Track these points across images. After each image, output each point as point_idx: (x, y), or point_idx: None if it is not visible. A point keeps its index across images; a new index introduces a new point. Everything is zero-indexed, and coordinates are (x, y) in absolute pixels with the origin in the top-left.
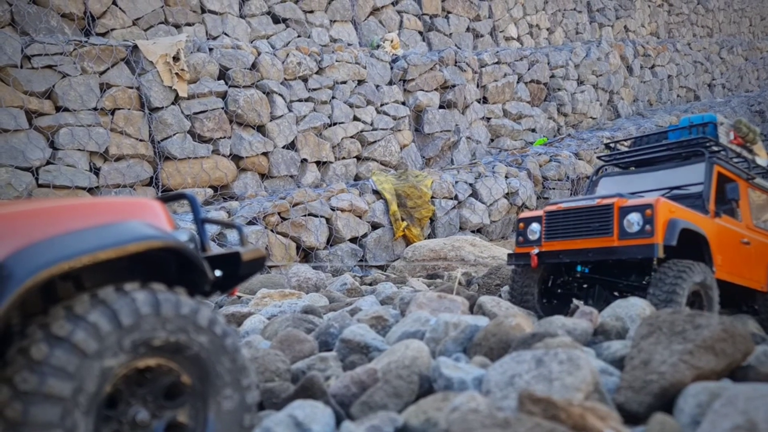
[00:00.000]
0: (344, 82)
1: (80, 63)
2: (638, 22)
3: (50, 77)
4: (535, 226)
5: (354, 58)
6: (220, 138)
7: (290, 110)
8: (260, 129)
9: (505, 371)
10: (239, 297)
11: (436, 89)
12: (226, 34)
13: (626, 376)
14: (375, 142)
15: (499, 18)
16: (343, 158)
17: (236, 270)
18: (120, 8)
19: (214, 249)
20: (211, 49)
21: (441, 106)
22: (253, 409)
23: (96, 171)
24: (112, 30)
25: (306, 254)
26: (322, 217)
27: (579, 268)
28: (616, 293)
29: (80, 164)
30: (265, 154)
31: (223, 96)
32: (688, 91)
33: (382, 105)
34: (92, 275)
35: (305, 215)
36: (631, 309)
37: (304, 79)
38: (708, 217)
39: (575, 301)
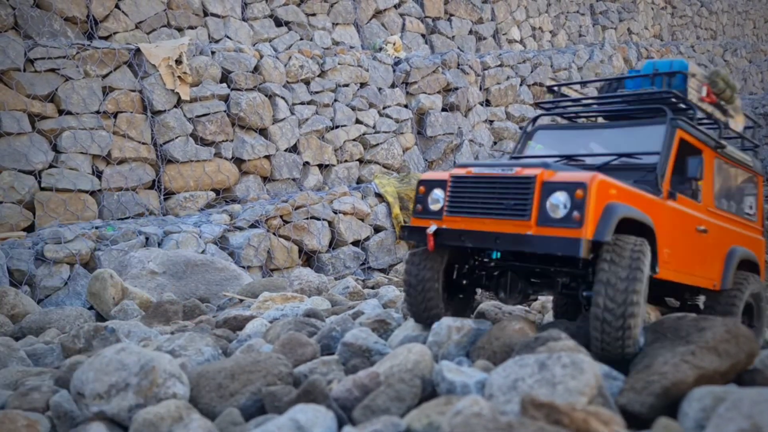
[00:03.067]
0: (346, 85)
1: (83, 66)
2: (641, 25)
3: (53, 81)
4: (438, 193)
5: (356, 61)
6: (223, 141)
7: (292, 113)
8: (262, 132)
9: (508, 375)
10: (241, 300)
11: (438, 92)
12: (228, 37)
13: (629, 379)
14: (377, 145)
15: (501, 21)
16: (346, 161)
17: None
18: (123, 12)
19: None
20: (213, 53)
21: (444, 109)
22: None
23: (98, 174)
24: (115, 33)
25: (308, 257)
26: (324, 220)
27: (495, 255)
28: (535, 281)
29: (83, 167)
30: (267, 157)
31: (226, 99)
32: None
33: (384, 108)
34: None
35: (307, 218)
36: None
37: (307, 82)
38: (659, 199)
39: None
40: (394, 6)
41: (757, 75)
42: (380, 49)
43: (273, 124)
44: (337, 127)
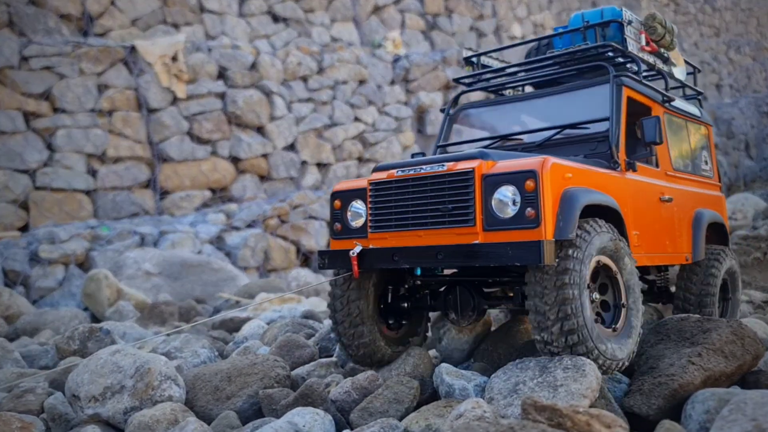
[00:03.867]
0: (345, 83)
1: (78, 64)
2: None
3: (48, 79)
4: (358, 205)
5: (355, 58)
6: (219, 139)
7: (290, 111)
8: (260, 130)
9: (509, 378)
10: (238, 302)
11: (439, 89)
12: (225, 33)
13: (635, 381)
14: (377, 143)
15: (503, 17)
16: (344, 160)
17: None
18: (118, 8)
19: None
20: (210, 50)
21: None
22: None
23: (93, 173)
24: (110, 31)
25: (306, 258)
26: (322, 220)
27: (419, 272)
28: (490, 293)
29: (78, 166)
30: (264, 155)
31: (222, 97)
32: None
33: (383, 105)
34: None
35: (305, 218)
36: None
37: (305, 80)
38: (618, 174)
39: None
40: (394, 2)
41: (761, 73)
42: (379, 45)
43: (270, 122)
44: (335, 125)
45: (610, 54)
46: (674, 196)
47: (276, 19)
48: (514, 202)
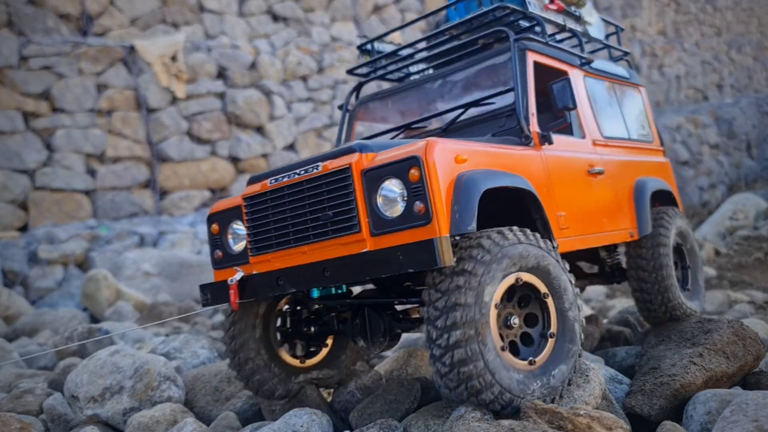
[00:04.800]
0: (345, 82)
1: (77, 64)
2: (645, 21)
3: (47, 78)
4: (238, 226)
5: (355, 58)
6: (219, 139)
7: (290, 111)
8: (259, 130)
9: None
10: None
11: None
12: (224, 33)
13: (636, 382)
14: None
15: None
16: None
17: None
18: (117, 8)
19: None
20: (209, 49)
21: None
22: None
23: (93, 173)
24: (110, 30)
25: None
26: None
27: (315, 293)
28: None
29: (77, 166)
30: (264, 155)
31: (222, 96)
32: (696, 92)
33: None
34: None
35: None
36: (639, 315)
37: (304, 79)
38: (531, 149)
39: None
40: (394, 1)
41: (762, 72)
42: None
43: (270, 122)
44: (335, 125)
45: (511, 18)
46: (606, 167)
47: (276, 18)
48: (402, 198)
